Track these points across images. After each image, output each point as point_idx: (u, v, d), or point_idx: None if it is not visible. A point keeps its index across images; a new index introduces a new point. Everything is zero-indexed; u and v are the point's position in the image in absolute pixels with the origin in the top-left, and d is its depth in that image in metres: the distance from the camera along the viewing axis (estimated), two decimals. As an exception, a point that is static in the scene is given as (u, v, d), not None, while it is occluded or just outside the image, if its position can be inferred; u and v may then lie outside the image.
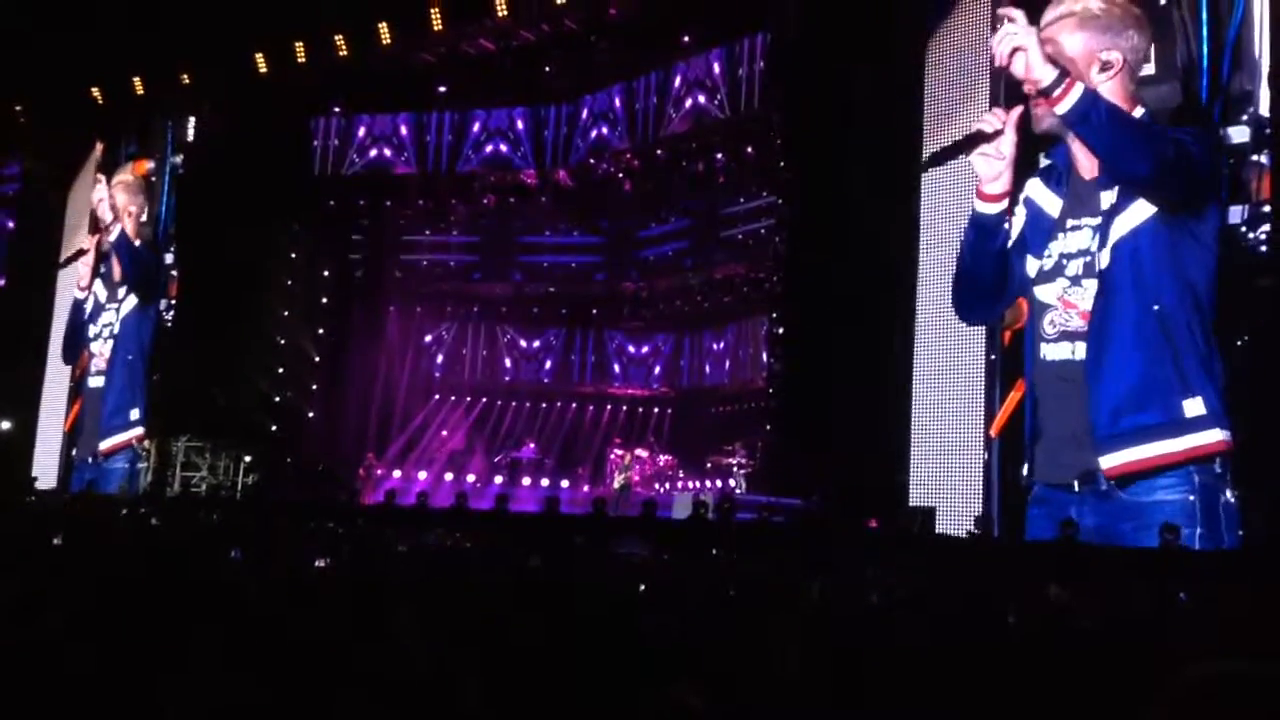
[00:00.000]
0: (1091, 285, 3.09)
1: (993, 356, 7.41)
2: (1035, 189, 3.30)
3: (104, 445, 6.14)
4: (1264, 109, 6.14)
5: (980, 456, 7.56)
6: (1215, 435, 2.94)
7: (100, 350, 6.26)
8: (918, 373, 8.24)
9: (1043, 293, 3.20)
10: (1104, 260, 3.06)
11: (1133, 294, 3.00)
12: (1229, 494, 3.01)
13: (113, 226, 5.86)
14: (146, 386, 6.31)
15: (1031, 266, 3.23)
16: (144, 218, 6.44)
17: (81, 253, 6.44)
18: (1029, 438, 3.27)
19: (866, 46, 9.09)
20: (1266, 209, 5.96)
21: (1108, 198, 3.09)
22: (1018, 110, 3.13)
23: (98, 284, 6.47)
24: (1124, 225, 3.04)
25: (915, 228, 8.23)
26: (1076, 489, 3.13)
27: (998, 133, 3.14)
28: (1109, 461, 2.98)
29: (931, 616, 2.28)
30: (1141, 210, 3.03)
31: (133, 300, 6.12)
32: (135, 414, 6.29)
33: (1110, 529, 3.05)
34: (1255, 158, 6.12)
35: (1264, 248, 5.92)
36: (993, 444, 7.54)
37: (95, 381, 6.49)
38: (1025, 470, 3.28)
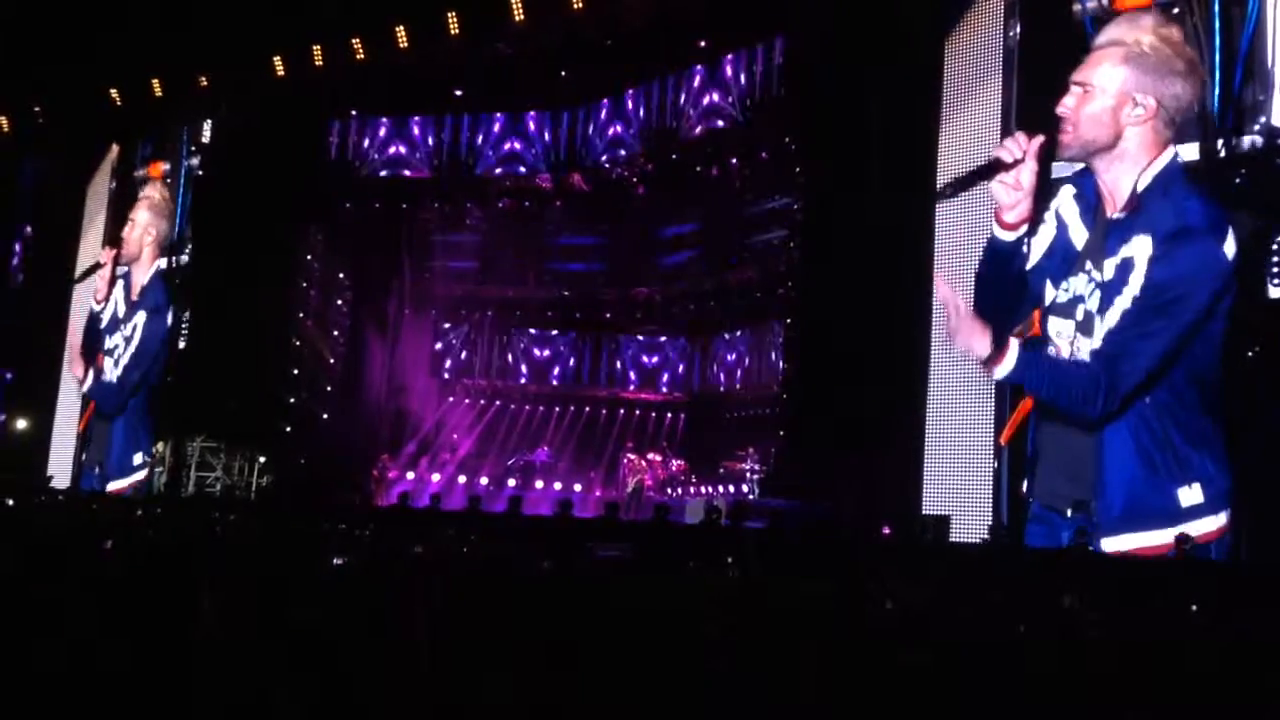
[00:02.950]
0: (1083, 345, 3.06)
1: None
2: (1067, 206, 3.25)
3: (111, 487, 6.23)
4: (1276, 119, 6.13)
5: (991, 464, 7.54)
6: (1211, 524, 2.93)
7: (116, 356, 6.33)
8: (932, 379, 8.23)
9: (1054, 325, 3.18)
10: (1099, 340, 3.03)
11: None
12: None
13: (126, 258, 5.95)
14: (153, 422, 6.41)
15: (1049, 293, 3.21)
16: (164, 223, 6.51)
17: (98, 266, 6.51)
18: (1030, 455, 3.27)
19: (882, 50, 9.08)
20: None
21: (1110, 266, 3.06)
22: (1038, 140, 3.10)
23: (118, 290, 6.54)
24: (1111, 320, 3.01)
25: (930, 233, 8.22)
26: (1069, 515, 3.14)
27: (1017, 162, 3.12)
28: (1111, 545, 2.99)
29: (945, 625, 2.28)
30: (1116, 309, 3.00)
31: (152, 313, 6.19)
32: (139, 458, 6.37)
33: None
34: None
35: (1274, 258, 5.92)
36: (1002, 452, 7.52)
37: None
38: (1025, 487, 3.28)
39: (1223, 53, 6.15)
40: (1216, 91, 6.14)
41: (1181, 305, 2.89)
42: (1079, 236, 3.22)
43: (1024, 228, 3.19)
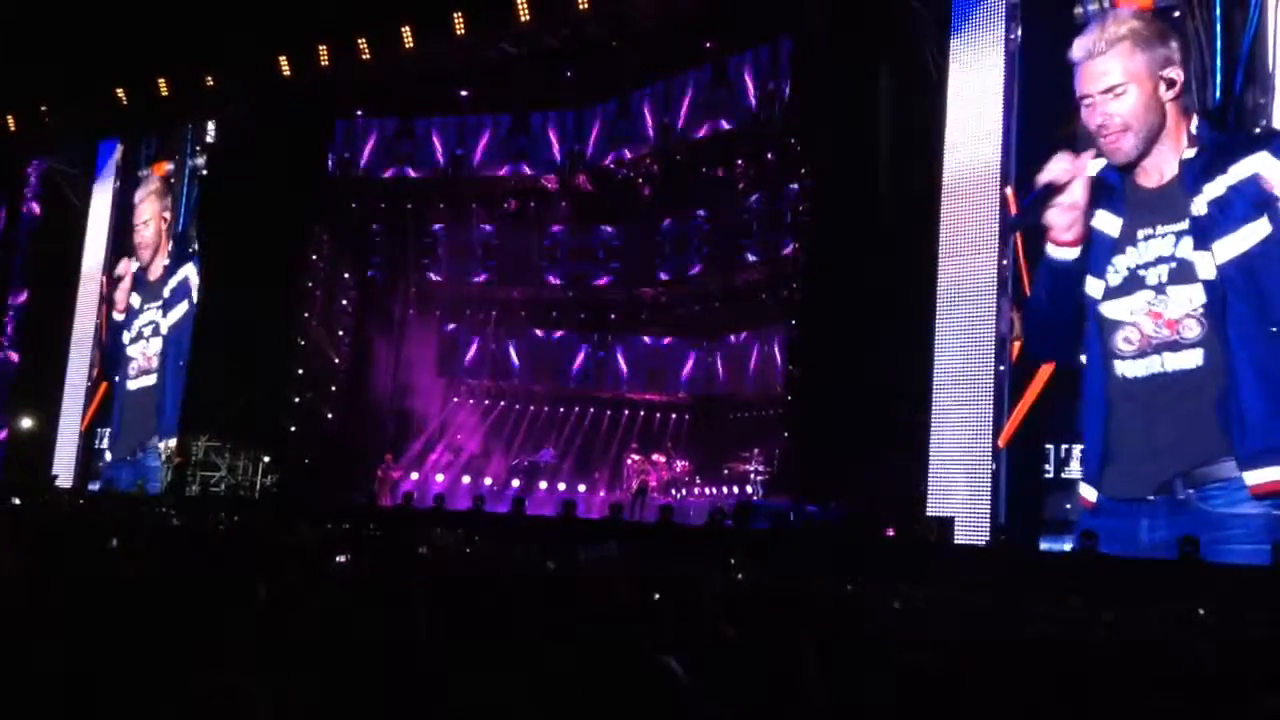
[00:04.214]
0: (1178, 293, 3.08)
1: (1001, 368, 7.37)
2: (1100, 219, 3.29)
3: (163, 444, 6.27)
4: (1277, 121, 6.13)
5: (989, 467, 7.53)
6: None
7: (141, 352, 6.37)
8: (937, 381, 8.22)
9: (1113, 309, 3.19)
10: (1207, 271, 3.05)
11: (1253, 314, 2.99)
12: None
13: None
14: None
15: (1095, 287, 3.22)
16: (169, 216, 6.57)
17: (120, 279, 6.57)
18: (1100, 455, 3.27)
19: (889, 51, 9.07)
20: None
21: (1198, 204, 3.09)
22: (1087, 156, 3.13)
23: (138, 289, 6.60)
24: (1235, 246, 3.03)
25: (935, 235, 8.21)
26: (1151, 500, 3.14)
27: (1070, 182, 3.15)
28: (1255, 478, 2.99)
29: (950, 626, 2.27)
30: (1254, 232, 3.02)
31: (182, 309, 6.26)
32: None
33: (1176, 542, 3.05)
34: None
35: None
36: (1000, 454, 7.51)
37: (136, 384, 6.60)
38: (1092, 488, 3.27)
39: (1224, 56, 6.15)
40: (1218, 94, 6.14)
41: None
42: (1113, 226, 3.26)
43: (1082, 243, 3.22)
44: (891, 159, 9.02)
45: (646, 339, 16.93)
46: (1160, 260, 3.04)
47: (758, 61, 13.03)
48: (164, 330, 5.71)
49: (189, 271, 5.92)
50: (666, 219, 16.03)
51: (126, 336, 5.98)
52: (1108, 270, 3.13)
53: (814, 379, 10.76)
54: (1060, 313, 3.05)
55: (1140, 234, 3.07)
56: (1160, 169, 3.01)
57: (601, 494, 15.08)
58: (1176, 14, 6.23)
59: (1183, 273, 2.99)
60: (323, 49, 13.00)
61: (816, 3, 10.58)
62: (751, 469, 12.94)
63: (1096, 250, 3.12)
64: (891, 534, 8.31)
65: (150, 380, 6.13)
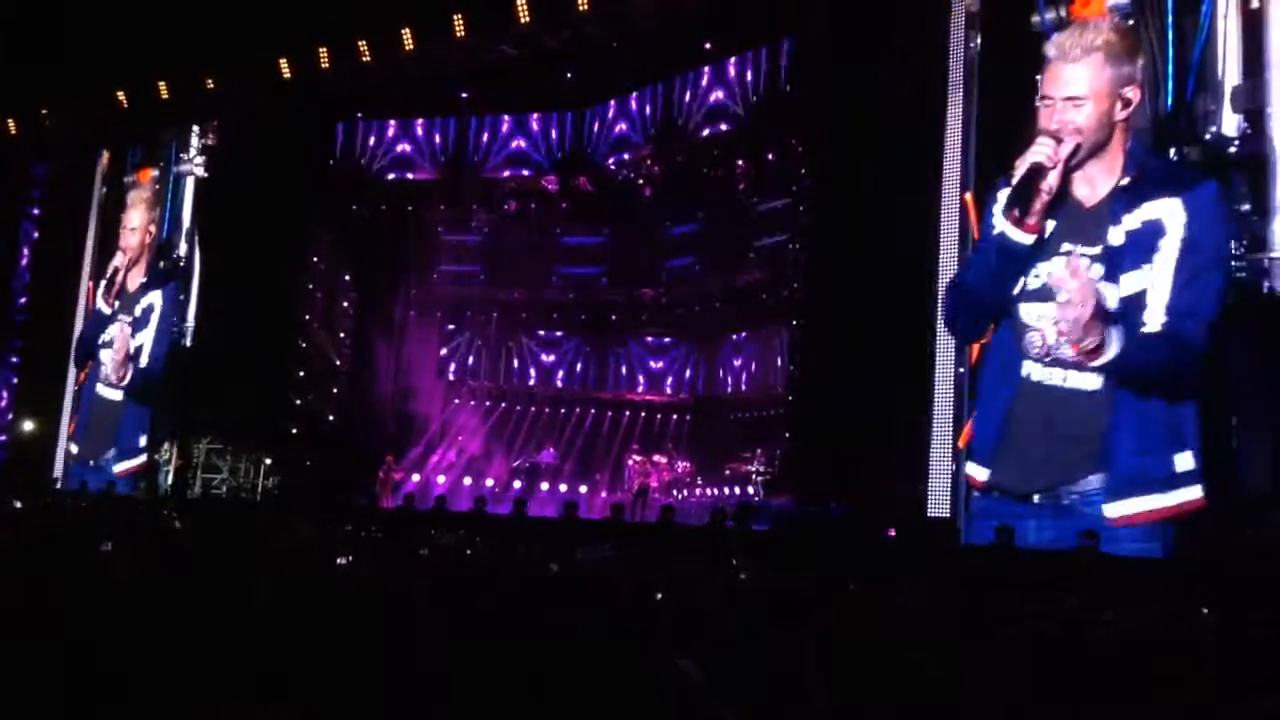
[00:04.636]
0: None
1: (961, 370, 7.42)
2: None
3: (119, 468, 6.29)
4: (1225, 129, 6.22)
5: (949, 468, 7.55)
6: (1198, 492, 3.02)
7: (110, 359, 6.39)
8: (938, 382, 8.22)
9: (1026, 311, 3.22)
10: (1112, 303, 3.10)
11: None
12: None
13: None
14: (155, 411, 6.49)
15: (1015, 283, 3.26)
16: (155, 228, 6.59)
17: (116, 272, 6.59)
18: (994, 447, 3.32)
19: (889, 52, 9.09)
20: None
21: (1115, 234, 3.14)
22: (1069, 145, 3.17)
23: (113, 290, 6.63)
24: (1138, 283, 3.07)
25: (935, 235, 8.22)
26: (1036, 501, 3.21)
27: (1053, 168, 3.19)
28: (1114, 510, 3.06)
29: (952, 623, 2.27)
30: (1161, 275, 3.07)
31: (145, 336, 6.29)
32: (143, 440, 6.44)
33: (1067, 542, 3.11)
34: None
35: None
36: (960, 455, 7.54)
37: (104, 391, 6.62)
38: (985, 478, 3.31)
39: (1175, 64, 6.23)
40: (1170, 101, 6.22)
41: (1219, 260, 3.08)
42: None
43: (1038, 232, 3.26)
44: (891, 159, 9.03)
45: (647, 339, 16.94)
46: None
47: (758, 62, 13.04)
48: (130, 350, 5.75)
49: (155, 300, 5.93)
50: (667, 220, 16.05)
51: (102, 337, 6.01)
52: (1031, 270, 3.20)
53: (815, 379, 10.77)
54: (995, 291, 3.09)
55: (1062, 246, 3.13)
56: (1093, 183, 3.06)
57: (603, 495, 15.09)
58: (1131, 22, 6.32)
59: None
60: (323, 51, 13.00)
61: (815, 5, 10.60)
62: (753, 469, 12.95)
63: (1013, 250, 3.22)
64: (893, 534, 8.31)
65: (116, 395, 6.12)
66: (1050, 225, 3.34)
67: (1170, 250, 3.09)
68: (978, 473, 3.36)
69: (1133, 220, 3.17)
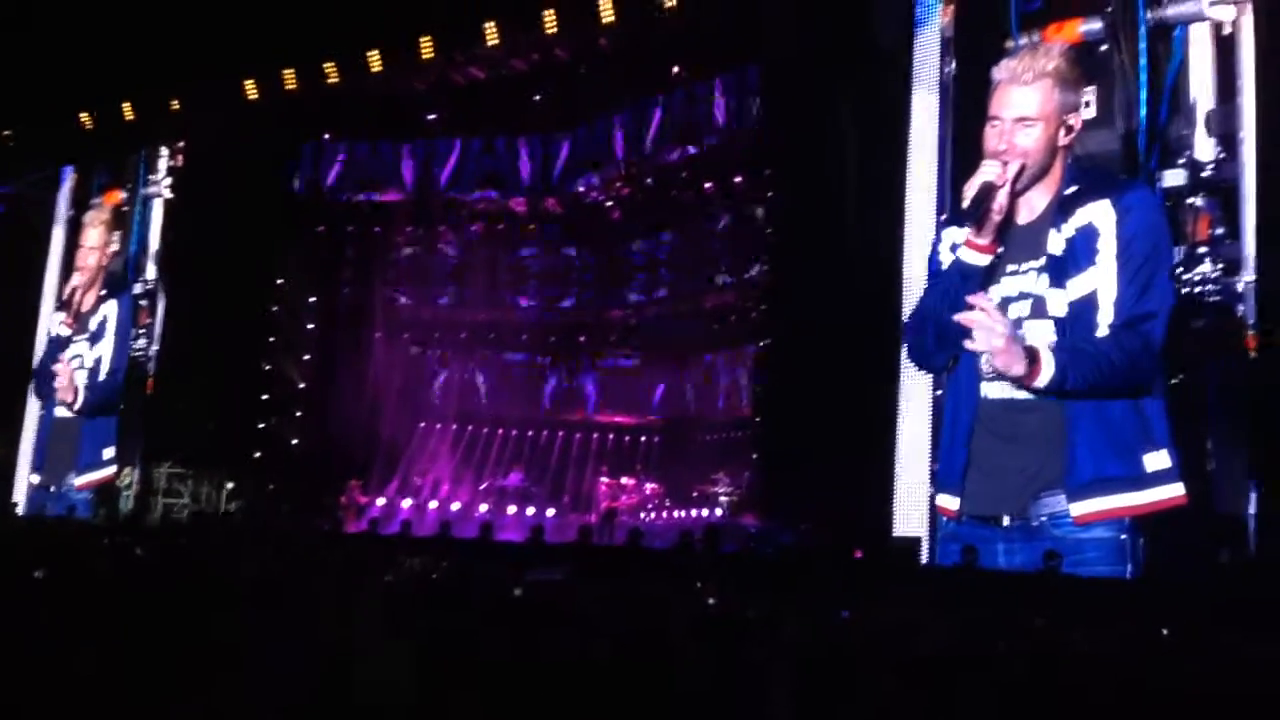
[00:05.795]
0: (1037, 328, 3.15)
1: (939, 391, 7.45)
2: (958, 236, 3.36)
3: (82, 481, 6.15)
4: (1199, 154, 6.27)
5: (917, 489, 7.56)
6: (1179, 490, 3.03)
7: (68, 377, 6.27)
8: (903, 402, 8.24)
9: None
10: (1058, 309, 3.12)
11: None
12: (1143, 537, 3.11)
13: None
14: (120, 422, 6.36)
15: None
16: (116, 248, 6.50)
17: (75, 290, 6.48)
18: (962, 471, 3.31)
19: (859, 78, 9.15)
20: (1201, 250, 6.12)
21: (1055, 242, 3.17)
22: (1015, 165, 3.20)
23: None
24: (1085, 286, 3.10)
25: (901, 256, 8.26)
26: (1005, 524, 3.21)
27: (1003, 186, 3.21)
28: (1080, 509, 3.05)
29: (919, 650, 2.26)
30: (1105, 275, 3.10)
31: (102, 348, 6.18)
32: (109, 453, 6.31)
33: (1037, 565, 3.09)
34: (1191, 201, 6.29)
35: (1199, 289, 6.07)
36: (932, 475, 7.56)
37: (61, 412, 6.50)
38: (956, 506, 3.31)
39: (1149, 89, 6.29)
40: (1143, 128, 6.26)
41: (1156, 252, 3.10)
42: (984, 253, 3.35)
43: (993, 253, 3.27)
44: (859, 180, 9.09)
45: (616, 361, 16.95)
46: (1022, 296, 3.14)
47: (726, 87, 13.12)
48: (88, 364, 5.70)
49: (110, 311, 5.86)
50: (636, 242, 16.09)
51: (57, 363, 5.92)
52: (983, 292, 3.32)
53: (781, 399, 10.78)
54: (952, 317, 3.13)
55: (1008, 267, 3.20)
56: (1032, 205, 3.12)
57: (571, 518, 15.03)
58: (1104, 48, 6.37)
59: (1038, 308, 3.09)
60: (289, 72, 12.95)
61: (782, 33, 10.66)
62: (721, 490, 12.96)
63: (967, 272, 3.29)
64: (859, 556, 8.29)
65: (69, 413, 6.05)
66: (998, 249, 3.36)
67: (1108, 250, 3.12)
68: (949, 502, 3.34)
69: (1069, 228, 3.20)
